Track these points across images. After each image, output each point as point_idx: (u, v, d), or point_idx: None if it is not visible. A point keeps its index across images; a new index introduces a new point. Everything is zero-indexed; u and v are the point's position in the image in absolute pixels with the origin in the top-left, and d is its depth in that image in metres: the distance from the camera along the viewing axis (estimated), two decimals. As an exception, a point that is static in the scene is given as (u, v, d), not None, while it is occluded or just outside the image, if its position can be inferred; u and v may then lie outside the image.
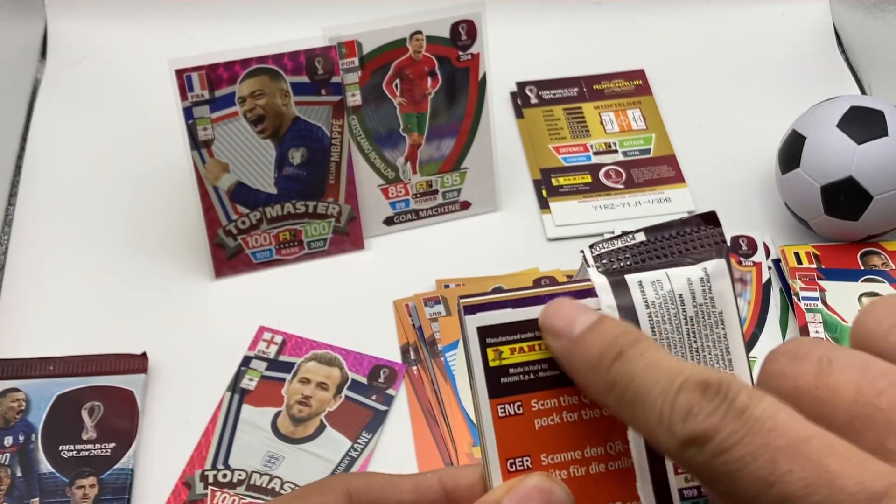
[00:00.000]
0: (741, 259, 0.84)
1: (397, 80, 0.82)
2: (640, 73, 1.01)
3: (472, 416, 0.74)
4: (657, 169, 0.92)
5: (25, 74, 0.99)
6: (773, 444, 0.24)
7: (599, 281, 0.32)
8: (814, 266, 0.83)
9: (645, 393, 0.27)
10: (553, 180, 0.91)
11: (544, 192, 0.90)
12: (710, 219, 0.33)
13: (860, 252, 0.84)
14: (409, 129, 0.84)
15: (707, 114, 0.98)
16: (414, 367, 0.78)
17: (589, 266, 0.33)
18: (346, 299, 0.82)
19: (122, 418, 0.73)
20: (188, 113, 0.77)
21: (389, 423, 0.75)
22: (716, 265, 0.32)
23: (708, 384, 0.26)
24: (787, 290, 0.82)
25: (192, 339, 0.80)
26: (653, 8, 1.07)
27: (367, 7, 0.93)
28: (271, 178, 0.81)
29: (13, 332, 0.79)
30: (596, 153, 0.94)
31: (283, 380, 0.76)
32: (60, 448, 0.71)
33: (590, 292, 0.32)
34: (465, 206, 0.89)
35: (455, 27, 0.81)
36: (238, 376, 0.77)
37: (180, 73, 0.76)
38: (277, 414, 0.75)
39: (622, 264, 0.33)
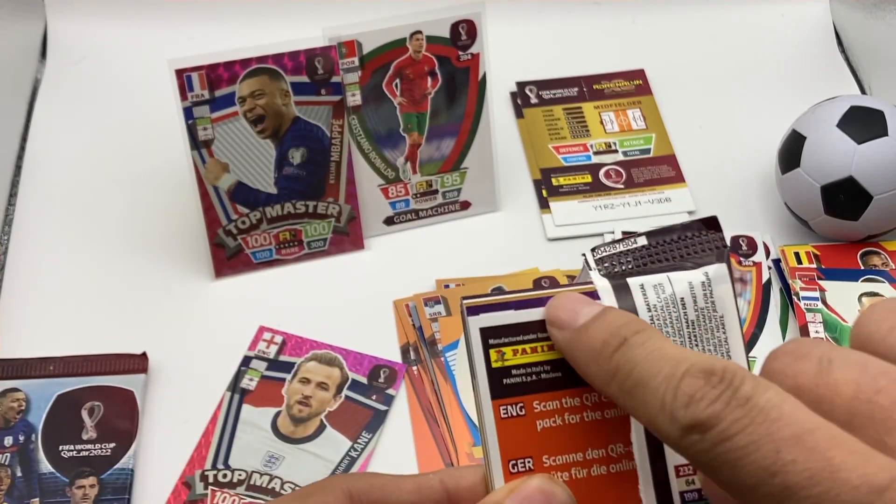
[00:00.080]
0: (741, 259, 0.84)
1: (397, 80, 0.82)
2: (640, 73, 1.01)
3: (473, 416, 0.74)
4: (657, 169, 0.92)
5: (25, 74, 0.99)
6: (778, 434, 0.24)
7: (602, 284, 0.32)
8: (814, 266, 0.83)
9: (647, 380, 0.27)
10: (553, 180, 0.91)
11: (544, 192, 0.90)
12: (712, 223, 0.34)
13: (860, 252, 0.84)
14: (409, 129, 0.84)
15: (707, 114, 0.98)
16: (414, 367, 0.78)
17: (591, 269, 0.33)
18: (346, 299, 0.82)
19: (122, 418, 0.73)
20: (188, 113, 0.77)
21: (389, 423, 0.75)
22: (717, 269, 0.33)
23: (712, 371, 0.26)
24: (787, 290, 0.82)
25: (192, 339, 0.80)
26: (653, 8, 1.07)
27: (367, 7, 0.93)
28: (271, 178, 0.81)
29: (13, 332, 0.79)
30: (596, 153, 0.94)
31: (284, 380, 0.76)
32: (60, 448, 0.71)
33: (592, 295, 0.32)
34: (465, 206, 0.89)
35: (455, 27, 0.81)
36: (238, 376, 0.77)
37: (180, 73, 0.76)
38: (277, 414, 0.75)
39: (624, 268, 0.33)
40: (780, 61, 1.03)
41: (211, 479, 0.71)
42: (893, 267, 0.83)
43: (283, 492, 0.70)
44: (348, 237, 0.85)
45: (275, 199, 0.82)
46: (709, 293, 0.32)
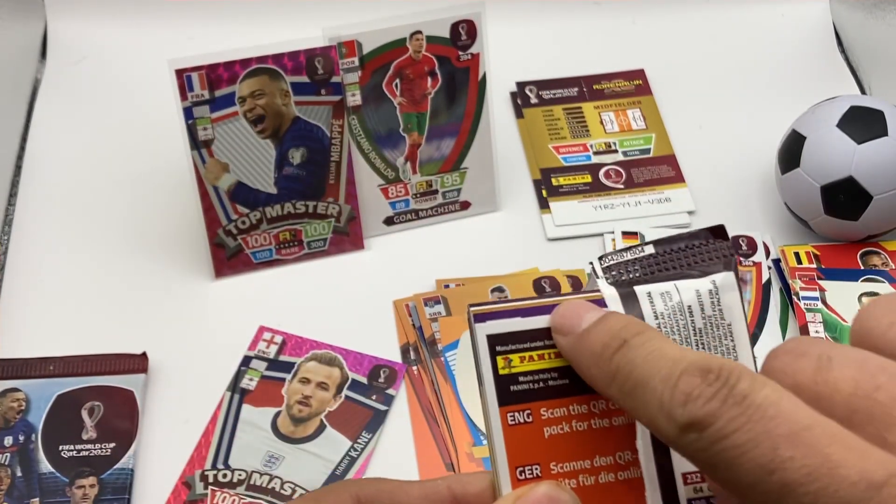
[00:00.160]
0: (741, 259, 0.84)
1: (397, 80, 0.82)
2: (640, 73, 1.01)
3: (473, 416, 0.74)
4: (657, 169, 0.92)
5: (25, 74, 0.99)
6: (775, 432, 0.24)
7: (609, 292, 0.32)
8: (814, 266, 0.83)
9: (646, 380, 0.27)
10: (553, 180, 0.91)
11: (544, 192, 0.90)
12: (719, 232, 0.34)
13: (860, 252, 0.84)
14: (409, 129, 0.84)
15: (707, 114, 0.98)
16: (414, 367, 0.78)
17: (598, 277, 0.33)
18: (346, 299, 0.82)
19: (122, 418, 0.73)
20: (188, 113, 0.77)
21: (389, 423, 0.75)
22: (724, 278, 0.33)
23: (709, 369, 0.26)
24: (787, 290, 0.82)
25: (192, 339, 0.80)
26: (653, 8, 1.07)
27: (367, 7, 0.93)
28: (271, 178, 0.81)
29: (13, 332, 0.79)
30: (596, 153, 0.94)
31: (283, 380, 0.76)
32: (60, 448, 0.71)
33: (599, 303, 0.32)
34: (465, 206, 0.89)
35: (455, 27, 0.81)
36: (238, 376, 0.77)
37: (180, 73, 0.76)
38: (277, 414, 0.75)
39: (631, 276, 0.33)
40: (780, 61, 1.03)
41: (211, 479, 0.71)
42: (893, 267, 0.83)
43: (282, 491, 0.70)
44: (348, 237, 0.85)
45: (275, 199, 0.82)
46: (716, 301, 0.32)
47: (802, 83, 1.00)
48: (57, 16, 1.03)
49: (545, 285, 0.82)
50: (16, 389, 0.74)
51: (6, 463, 0.70)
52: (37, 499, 0.69)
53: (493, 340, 0.32)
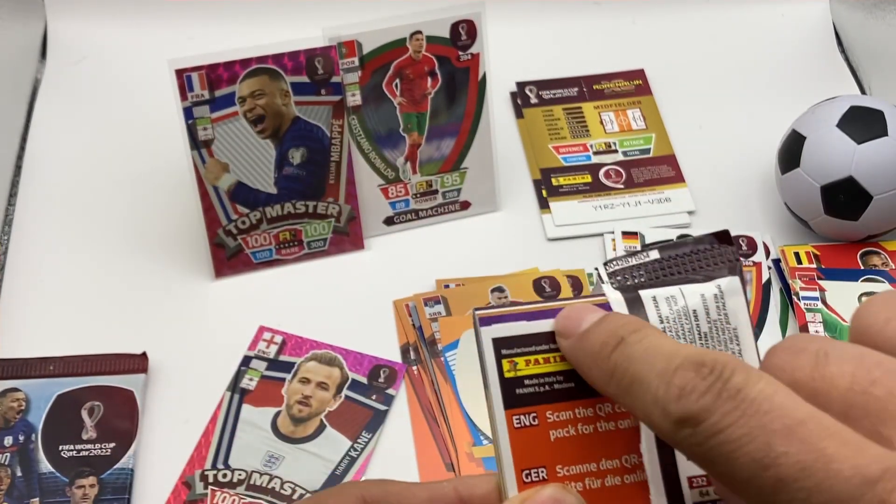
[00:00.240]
0: (741, 259, 0.84)
1: (397, 80, 0.82)
2: (640, 73, 1.01)
3: (473, 416, 0.74)
4: (657, 169, 0.92)
5: (25, 74, 0.99)
6: (770, 426, 0.24)
7: (614, 296, 0.32)
8: (814, 266, 0.83)
9: (643, 376, 0.27)
10: (553, 180, 0.91)
11: (544, 192, 0.90)
12: (723, 237, 0.34)
13: (860, 252, 0.84)
14: (409, 129, 0.84)
15: (707, 114, 0.98)
16: (414, 367, 0.78)
17: (603, 283, 0.33)
18: (346, 299, 0.82)
19: (122, 418, 0.73)
20: (188, 113, 0.77)
21: (389, 423, 0.75)
22: (729, 282, 0.33)
23: (702, 363, 0.26)
24: (787, 290, 0.82)
25: (192, 339, 0.80)
26: (653, 8, 1.07)
27: (367, 7, 0.93)
28: (271, 178, 0.81)
29: (13, 332, 0.79)
30: (596, 153, 0.94)
31: (283, 380, 0.76)
32: (60, 448, 0.71)
33: (605, 307, 0.32)
34: (465, 206, 0.89)
35: (455, 27, 0.81)
36: (238, 376, 0.77)
37: (180, 73, 0.76)
38: (277, 414, 0.75)
39: (636, 281, 0.33)
40: (780, 61, 1.03)
41: (211, 479, 0.71)
42: (893, 267, 0.83)
43: (282, 491, 0.70)
44: (348, 237, 0.85)
45: (275, 199, 0.82)
46: (721, 305, 0.32)
47: (802, 83, 1.00)
48: (57, 16, 1.03)
49: (545, 285, 0.82)
50: (16, 389, 0.74)
51: (6, 463, 0.70)
52: (37, 499, 0.69)
53: (499, 344, 0.32)
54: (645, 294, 0.32)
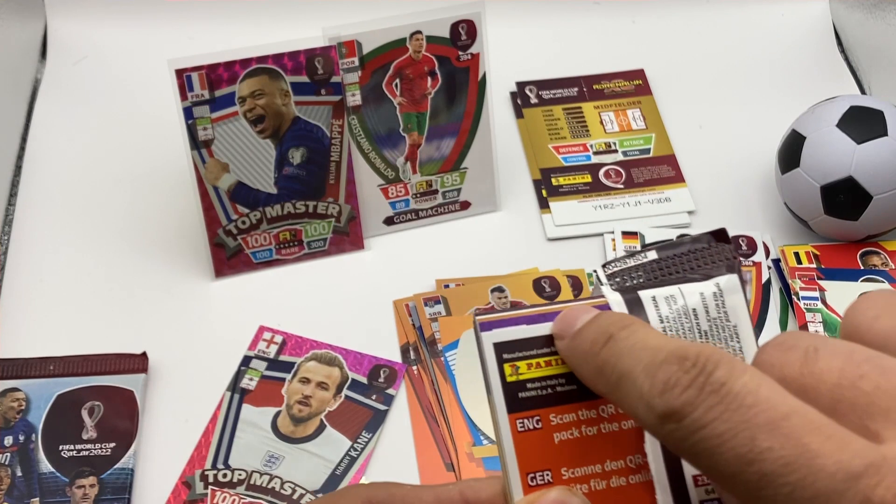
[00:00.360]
0: (741, 259, 0.84)
1: (397, 80, 0.82)
2: (640, 73, 1.01)
3: (472, 416, 0.74)
4: (657, 169, 0.92)
5: (25, 74, 0.99)
6: (753, 421, 0.24)
7: (613, 297, 0.32)
8: (814, 266, 0.83)
9: (629, 371, 0.27)
10: (553, 180, 0.91)
11: (544, 192, 0.90)
12: (721, 235, 0.34)
13: (860, 252, 0.84)
14: (409, 129, 0.84)
15: (707, 114, 0.98)
16: (414, 367, 0.78)
17: (602, 284, 0.33)
18: (346, 299, 0.82)
19: (122, 418, 0.73)
20: (188, 113, 0.77)
21: (389, 423, 0.75)
22: (728, 280, 0.33)
23: (685, 356, 0.26)
24: (786, 290, 0.82)
25: (192, 338, 0.80)
26: (653, 8, 1.07)
27: (367, 7, 0.93)
28: (271, 178, 0.82)
29: (13, 332, 0.79)
30: (596, 153, 0.94)
31: (284, 379, 0.76)
32: (60, 448, 0.71)
33: (604, 308, 0.32)
34: (465, 206, 0.89)
35: (455, 27, 0.81)
36: (238, 376, 0.77)
37: (180, 73, 0.76)
38: (277, 414, 0.75)
39: (635, 282, 0.33)
40: (780, 61, 1.03)
41: (211, 479, 0.71)
42: (893, 267, 0.83)
43: (282, 491, 0.70)
44: (348, 237, 0.85)
45: (275, 199, 0.82)
46: (721, 303, 0.32)
47: (802, 83, 1.00)
48: (57, 16, 1.03)
49: (545, 285, 0.82)
50: (16, 389, 0.74)
51: (6, 463, 0.70)
52: (37, 499, 0.69)
53: (500, 348, 0.32)
54: (644, 294, 0.32)
